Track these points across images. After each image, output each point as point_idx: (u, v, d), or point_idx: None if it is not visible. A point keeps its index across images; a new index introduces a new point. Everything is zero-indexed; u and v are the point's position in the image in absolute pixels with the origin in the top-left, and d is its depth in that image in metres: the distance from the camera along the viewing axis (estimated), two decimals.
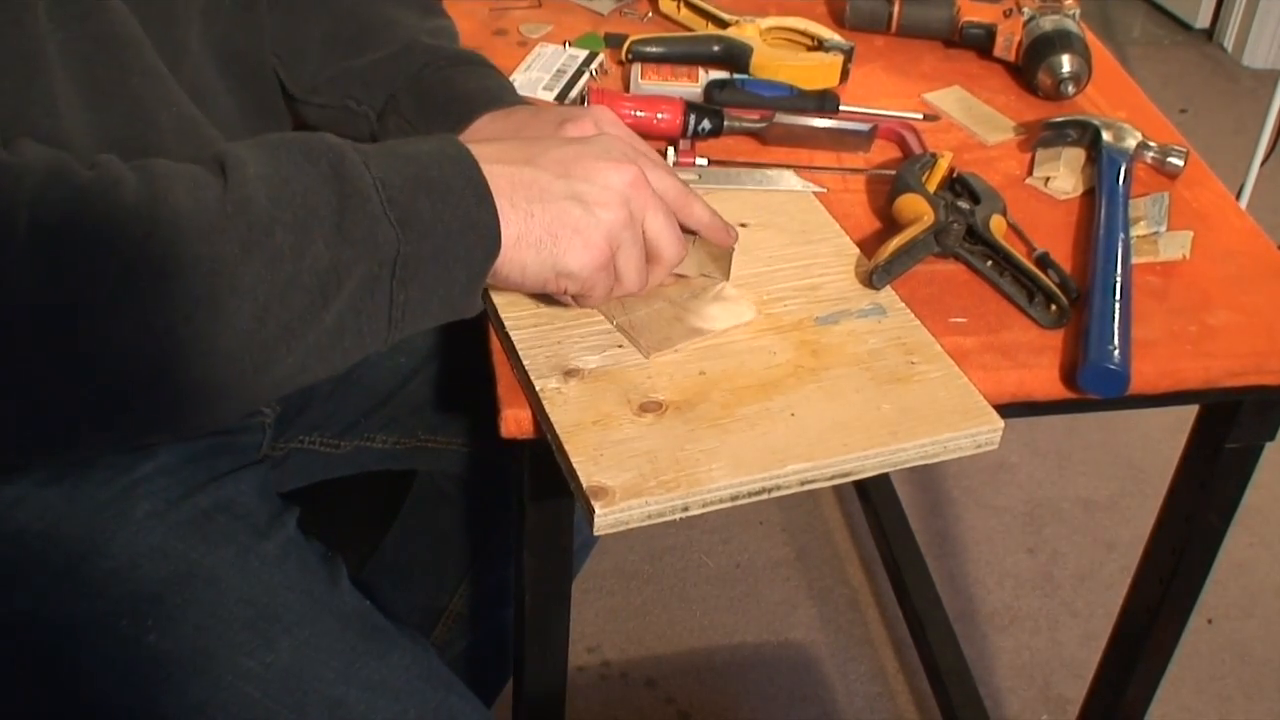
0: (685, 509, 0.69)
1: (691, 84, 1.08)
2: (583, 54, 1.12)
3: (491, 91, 0.89)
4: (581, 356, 0.77)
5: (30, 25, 0.63)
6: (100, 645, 0.78)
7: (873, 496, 1.76)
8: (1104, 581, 1.82)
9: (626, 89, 1.09)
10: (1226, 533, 0.98)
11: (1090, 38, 1.12)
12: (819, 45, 1.12)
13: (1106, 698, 1.14)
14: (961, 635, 1.62)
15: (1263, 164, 2.30)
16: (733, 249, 0.82)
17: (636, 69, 1.09)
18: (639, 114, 1.00)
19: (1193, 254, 0.92)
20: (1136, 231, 0.93)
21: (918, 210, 0.89)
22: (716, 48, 1.10)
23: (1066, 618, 1.77)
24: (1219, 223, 0.97)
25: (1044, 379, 0.82)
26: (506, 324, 0.79)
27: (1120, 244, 0.89)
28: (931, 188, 0.93)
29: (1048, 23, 1.10)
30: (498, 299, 0.80)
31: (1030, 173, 1.01)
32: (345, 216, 0.62)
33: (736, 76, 1.08)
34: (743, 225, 0.89)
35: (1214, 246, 0.94)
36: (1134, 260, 0.90)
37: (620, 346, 0.78)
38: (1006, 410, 0.77)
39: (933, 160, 0.96)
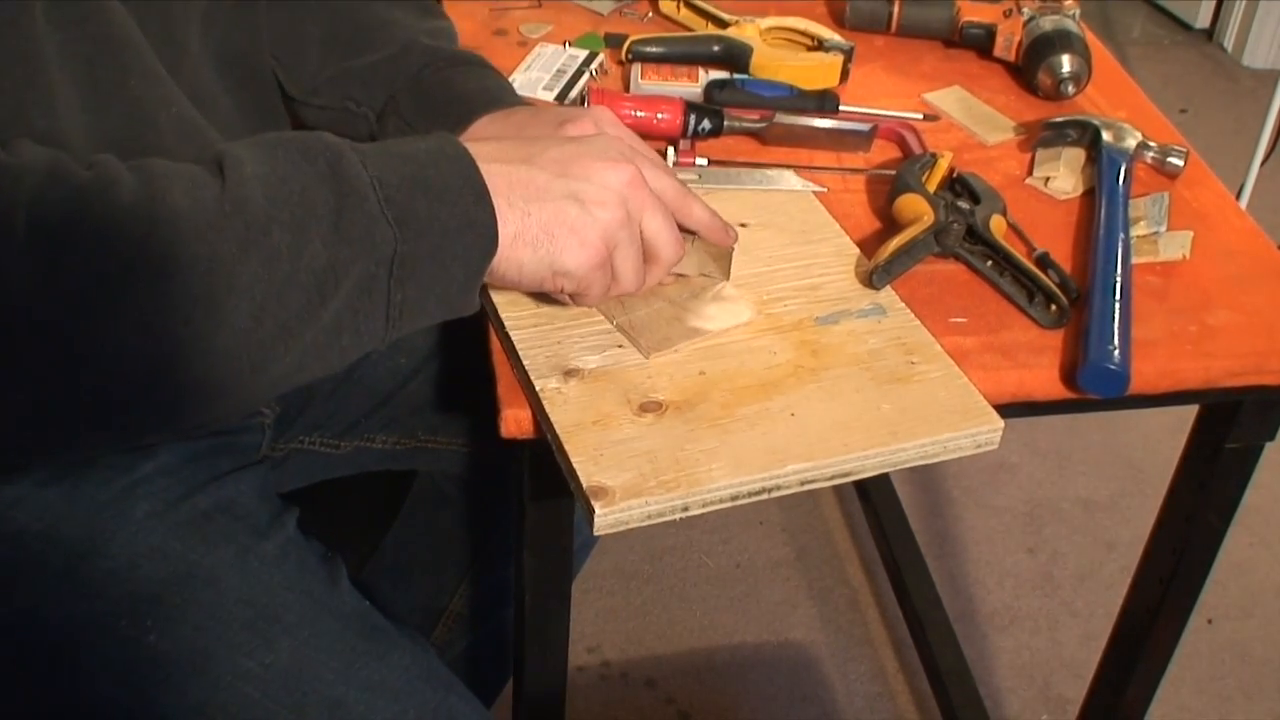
0: (685, 509, 0.69)
1: (691, 84, 1.07)
2: (583, 54, 1.12)
3: (491, 92, 0.89)
4: (581, 356, 0.77)
5: (28, 26, 0.63)
6: (100, 645, 0.78)
7: (873, 496, 1.76)
8: (1104, 581, 1.82)
9: (626, 89, 1.09)
10: (1226, 533, 0.98)
11: (1090, 38, 1.12)
12: (819, 45, 1.12)
13: (1106, 698, 1.14)
14: (961, 635, 1.62)
15: (1263, 164, 2.30)
16: (732, 249, 0.82)
17: (636, 69, 1.09)
18: (639, 114, 1.00)
19: (1193, 254, 0.92)
20: (1136, 231, 0.93)
21: (918, 210, 0.89)
22: (716, 48, 1.10)
23: (1066, 618, 1.77)
24: (1219, 223, 0.97)
25: (1044, 379, 0.82)
26: (506, 324, 0.79)
27: (1120, 244, 0.89)
28: (931, 188, 0.93)
29: (1048, 23, 1.10)
30: (498, 299, 0.80)
31: (1030, 173, 1.01)
32: (343, 215, 0.62)
33: (736, 76, 1.08)
34: (743, 225, 0.89)
35: (1214, 246, 0.94)
36: (1134, 260, 0.89)
37: (620, 346, 0.78)
38: (1006, 410, 0.77)
39: (933, 160, 0.96)
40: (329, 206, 0.62)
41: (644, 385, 0.75)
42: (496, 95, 0.89)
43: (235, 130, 0.80)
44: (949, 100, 1.10)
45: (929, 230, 0.87)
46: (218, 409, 0.63)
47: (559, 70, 1.10)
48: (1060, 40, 1.09)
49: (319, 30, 0.93)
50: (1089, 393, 0.81)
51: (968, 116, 1.08)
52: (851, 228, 0.92)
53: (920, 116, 1.07)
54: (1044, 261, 0.90)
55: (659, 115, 1.00)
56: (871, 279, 0.84)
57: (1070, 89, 1.09)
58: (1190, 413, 0.94)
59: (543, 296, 0.79)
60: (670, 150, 0.99)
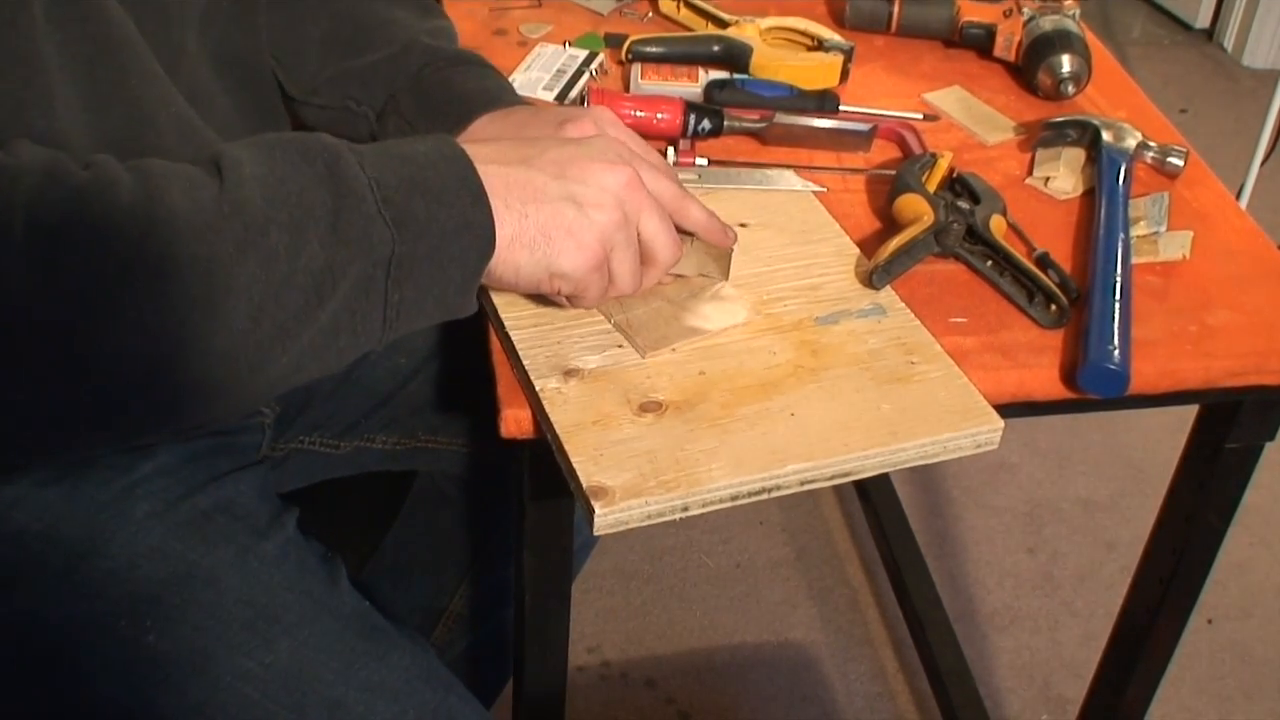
0: (685, 509, 0.69)
1: (691, 84, 1.07)
2: (583, 54, 1.12)
3: (490, 92, 0.89)
4: (581, 356, 0.77)
5: (27, 26, 0.63)
6: (99, 646, 0.78)
7: (873, 496, 1.76)
8: (1104, 581, 1.82)
9: (626, 89, 1.09)
10: (1226, 533, 0.98)
11: (1090, 38, 1.12)
12: (819, 45, 1.12)
13: (1106, 698, 1.14)
14: (961, 635, 1.62)
15: (1263, 164, 2.30)
16: (732, 250, 0.82)
17: (636, 69, 1.09)
18: (639, 114, 1.00)
19: (1193, 254, 0.92)
20: (1136, 231, 0.93)
21: (918, 210, 0.89)
22: (716, 48, 1.10)
23: (1066, 618, 1.77)
24: (1219, 223, 0.97)
25: (1044, 379, 0.82)
26: (506, 324, 0.79)
27: (1120, 244, 0.89)
28: (931, 188, 0.93)
29: (1048, 23, 1.10)
30: (497, 299, 0.80)
31: (1030, 173, 1.01)
32: (340, 216, 0.62)
33: (736, 76, 1.08)
34: (743, 225, 0.89)
35: (1214, 246, 0.94)
36: (1134, 260, 0.89)
37: (620, 346, 0.78)
38: (1006, 410, 0.77)
39: (933, 160, 0.96)
40: (327, 208, 0.62)
41: (644, 385, 0.75)
42: (496, 95, 0.89)
43: (234, 130, 0.80)
44: (949, 100, 1.10)
45: (929, 230, 0.87)
46: (216, 409, 0.63)
47: (559, 70, 1.10)
48: (1060, 40, 1.09)
49: (319, 30, 0.93)
50: (1089, 393, 0.80)
51: (968, 116, 1.08)
52: (851, 228, 0.92)
53: (920, 116, 1.07)
54: (1044, 261, 0.90)
55: (659, 115, 1.00)
56: (871, 279, 0.84)
57: (1070, 89, 1.09)
58: (1190, 413, 0.94)
59: (542, 297, 0.80)
60: (670, 150, 0.99)
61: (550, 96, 1.07)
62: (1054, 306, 0.85)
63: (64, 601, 0.78)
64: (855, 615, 1.76)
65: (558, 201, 0.70)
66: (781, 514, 1.91)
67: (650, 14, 1.21)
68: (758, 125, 1.02)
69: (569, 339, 0.78)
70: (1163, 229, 0.94)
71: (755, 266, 0.86)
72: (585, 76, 1.09)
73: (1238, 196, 2.31)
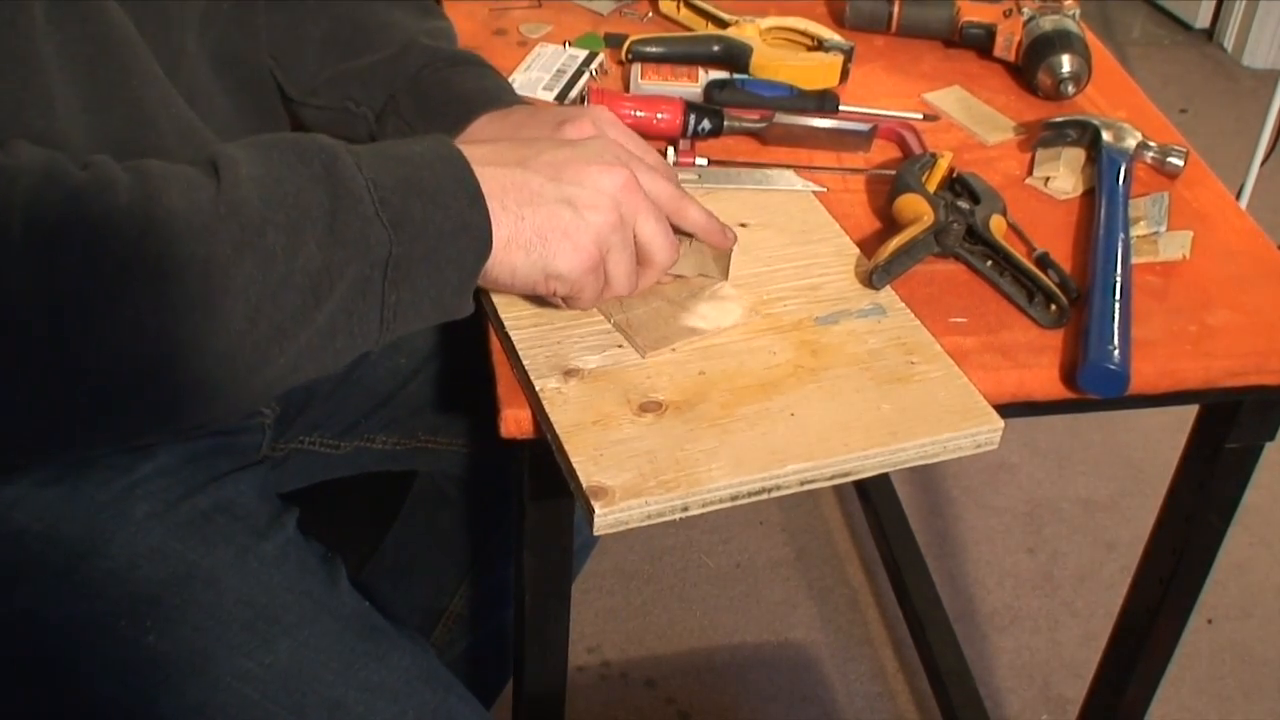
0: (685, 509, 0.69)
1: (691, 84, 1.07)
2: (583, 54, 1.12)
3: (489, 92, 0.89)
4: (581, 356, 0.77)
5: (26, 26, 0.63)
6: (99, 646, 0.78)
7: (873, 496, 1.76)
8: (1104, 581, 1.82)
9: (626, 89, 1.09)
10: (1226, 533, 0.98)
11: (1090, 38, 1.12)
12: (819, 45, 1.12)
13: (1106, 698, 1.14)
14: (961, 635, 1.62)
15: (1263, 164, 2.30)
16: (731, 250, 0.82)
17: (636, 69, 1.09)
18: (639, 114, 1.00)
19: (1193, 254, 0.92)
20: (1136, 231, 0.93)
21: (918, 210, 0.89)
22: (716, 48, 1.10)
23: (1066, 618, 1.77)
24: (1219, 223, 0.97)
25: (1044, 379, 0.82)
26: (506, 324, 0.79)
27: (1120, 244, 0.89)
28: (931, 188, 0.93)
29: (1048, 23, 1.10)
30: (497, 299, 0.80)
31: (1030, 173, 1.01)
32: (337, 218, 0.63)
33: (736, 76, 1.08)
34: (742, 225, 0.89)
35: (1214, 246, 0.94)
36: (1134, 260, 0.89)
37: (620, 346, 0.78)
38: (1006, 410, 0.77)
39: (933, 160, 0.96)
40: (324, 209, 0.62)
41: (644, 385, 0.75)
42: (495, 95, 0.89)
43: (233, 131, 0.80)
44: (949, 100, 1.10)
45: (929, 230, 0.87)
46: (214, 409, 0.63)
47: (559, 70, 1.10)
48: (1060, 40, 1.08)
49: (318, 31, 0.93)
50: (1089, 393, 0.80)
51: (968, 116, 1.08)
52: (851, 228, 0.92)
53: (920, 116, 1.07)
54: (1044, 261, 0.90)
55: (659, 115, 1.00)
56: (871, 279, 0.84)
57: (1070, 89, 1.09)
58: (1190, 413, 0.94)
59: (541, 297, 0.79)
60: (670, 150, 0.99)
61: (550, 96, 1.07)
62: (1054, 306, 0.85)
63: (64, 602, 0.78)
64: (855, 615, 1.76)
65: (554, 204, 0.70)
66: (781, 514, 1.91)
67: (650, 14, 1.21)
68: (758, 125, 1.02)
69: (569, 339, 0.78)
70: (1163, 229, 0.94)
71: (755, 266, 0.86)
72: (585, 76, 1.09)
73: (1238, 196, 2.31)
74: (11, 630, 0.78)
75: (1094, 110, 1.09)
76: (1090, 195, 0.98)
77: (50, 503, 0.78)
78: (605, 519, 0.67)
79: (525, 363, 0.76)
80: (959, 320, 0.85)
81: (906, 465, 0.74)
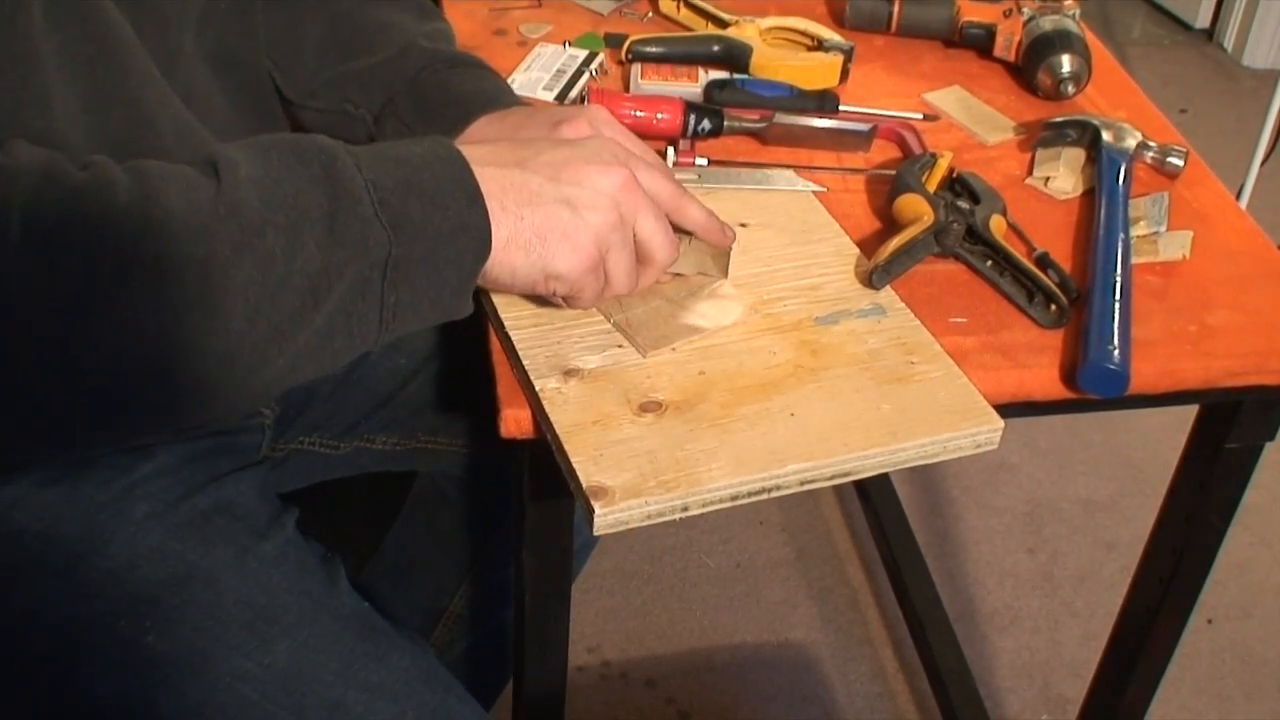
0: (685, 509, 0.69)
1: (691, 84, 1.07)
2: (583, 54, 1.12)
3: (488, 94, 0.89)
4: (581, 356, 0.77)
5: (25, 26, 0.63)
6: (98, 646, 0.78)
7: (873, 496, 1.76)
8: (1104, 581, 1.82)
9: (626, 89, 1.09)
10: (1226, 533, 0.98)
11: (1090, 38, 1.12)
12: (819, 45, 1.12)
13: (1106, 698, 1.14)
14: (961, 635, 1.62)
15: (1263, 164, 2.30)
16: (730, 248, 0.82)
17: (636, 69, 1.09)
18: (639, 114, 1.00)
19: (1193, 254, 0.92)
20: (1136, 231, 0.93)
21: (918, 210, 0.89)
22: (716, 48, 1.10)
23: (1066, 618, 1.77)
24: (1219, 223, 0.97)
25: (1044, 379, 0.82)
26: (506, 324, 0.79)
27: (1120, 244, 0.89)
28: (931, 188, 0.93)
29: (1048, 23, 1.10)
30: (497, 299, 0.80)
31: (1030, 173, 1.01)
32: (337, 218, 0.63)
33: (736, 76, 1.08)
34: (742, 225, 0.89)
35: (1214, 246, 0.94)
36: (1134, 260, 0.89)
37: (620, 346, 0.78)
38: (1006, 410, 0.77)
39: (933, 160, 0.96)
40: (323, 209, 0.62)
41: (644, 385, 0.75)
42: (494, 96, 0.89)
43: (232, 132, 0.80)
44: (949, 100, 1.10)
45: (929, 230, 0.87)
46: (213, 410, 0.63)
47: (559, 70, 1.10)
48: (1060, 40, 1.08)
49: (316, 32, 0.93)
50: (1089, 393, 0.80)
51: (968, 116, 1.08)
52: (851, 228, 0.92)
53: (920, 116, 1.07)
54: (1044, 261, 0.90)
55: (659, 115, 1.00)
56: (871, 279, 0.84)
57: (1070, 89, 1.09)
58: (1190, 413, 0.94)
59: (541, 297, 0.79)
60: (670, 150, 0.98)
61: (550, 96, 1.07)
62: (1054, 306, 0.84)
63: (63, 602, 0.78)
64: (855, 615, 1.76)
65: (553, 204, 0.70)
66: (781, 514, 1.91)
67: (650, 14, 1.21)
68: (758, 125, 1.02)
69: (569, 339, 0.78)
70: (1163, 229, 0.94)
71: (755, 266, 0.86)
72: (585, 76, 1.09)
73: (1238, 196, 2.31)
74: (11, 630, 0.78)
75: (1094, 110, 1.09)
76: (1090, 195, 0.98)
77: (50, 503, 0.78)
78: (605, 519, 0.67)
79: (525, 363, 0.76)
80: (959, 320, 0.85)
81: (906, 465, 0.74)
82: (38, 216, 0.57)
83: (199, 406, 0.62)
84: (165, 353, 0.59)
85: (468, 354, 0.96)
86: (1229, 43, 3.25)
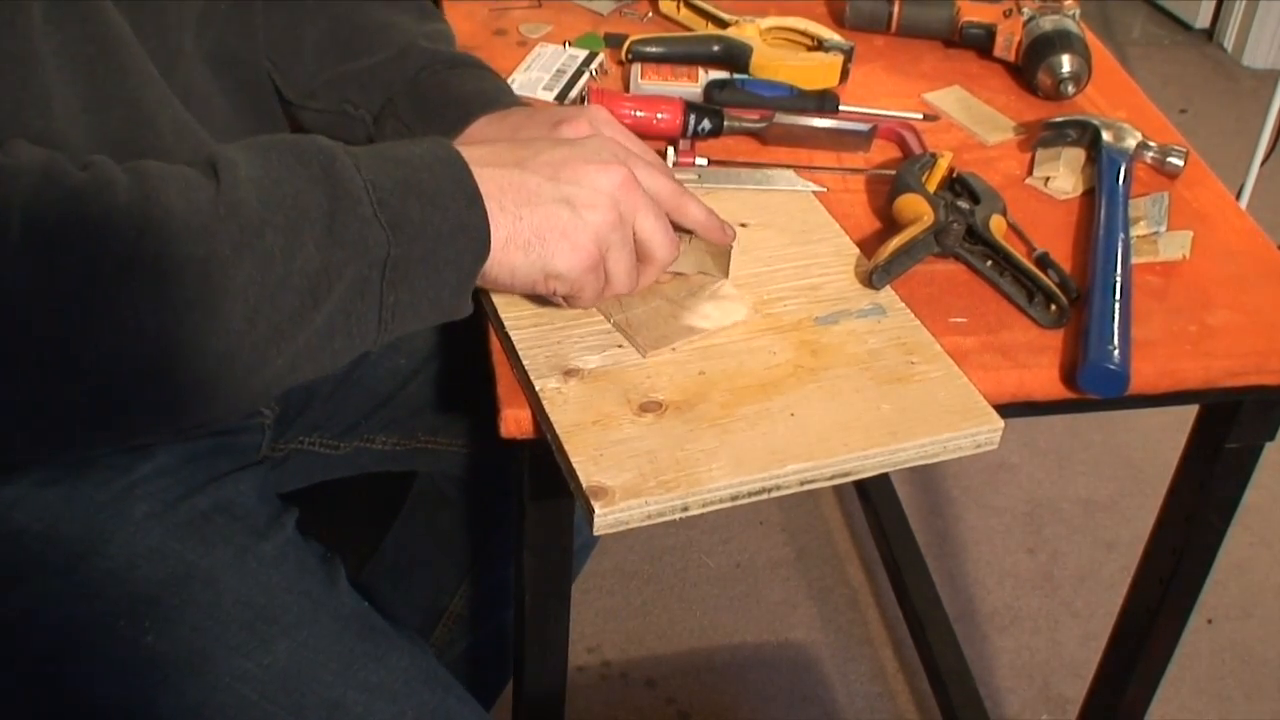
0: (685, 509, 0.69)
1: (691, 84, 1.07)
2: (583, 54, 1.12)
3: (488, 94, 0.89)
4: (581, 356, 0.77)
5: (25, 27, 0.63)
6: (98, 646, 0.78)
7: (873, 496, 1.76)
8: (1104, 581, 1.82)
9: (626, 89, 1.09)
10: (1226, 533, 0.98)
11: (1090, 38, 1.12)
12: (819, 45, 1.12)
13: (1106, 698, 1.14)
14: (961, 635, 1.62)
15: (1263, 164, 2.30)
16: (731, 247, 0.82)
17: (636, 69, 1.09)
18: (639, 114, 1.00)
19: (1193, 254, 0.92)
20: (1136, 231, 0.93)
21: (918, 210, 0.89)
22: (716, 48, 1.10)
23: (1066, 618, 1.77)
24: (1219, 223, 0.97)
25: (1044, 379, 0.82)
26: (506, 324, 0.79)
27: (1120, 244, 0.89)
28: (931, 188, 0.93)
29: (1048, 23, 1.10)
30: (497, 299, 0.80)
31: (1030, 173, 1.01)
32: (336, 219, 0.63)
33: (736, 76, 1.08)
34: (742, 225, 0.89)
35: (1214, 246, 0.94)
36: (1134, 260, 0.89)
37: (620, 346, 0.78)
38: (1006, 410, 0.77)
39: (933, 160, 0.96)
40: (322, 210, 0.62)
41: (644, 385, 0.75)
42: (493, 97, 0.89)
43: (232, 133, 0.79)
44: (949, 100, 1.10)
45: (929, 230, 0.87)
46: (213, 410, 0.63)
47: (559, 70, 1.10)
48: (1060, 40, 1.08)
49: (316, 33, 0.93)
50: (1089, 393, 0.80)
51: (968, 116, 1.08)
52: (851, 228, 0.92)
53: (920, 116, 1.07)
54: (1044, 261, 0.90)
55: (659, 115, 1.00)
56: (871, 279, 0.84)
57: (1070, 89, 1.09)
58: (1190, 413, 0.94)
59: (541, 297, 0.79)
60: (670, 150, 0.98)
61: (550, 97, 1.07)
62: (1054, 306, 0.84)
63: (63, 602, 0.78)
64: (855, 615, 1.76)
65: (552, 203, 0.70)
66: (781, 514, 1.91)
67: (650, 14, 1.21)
68: (758, 125, 1.02)
69: (569, 339, 0.78)
70: (1163, 229, 0.94)
71: (755, 266, 0.86)
72: (585, 76, 1.09)
73: (1238, 196, 2.31)
74: (11, 630, 0.78)
75: (1094, 110, 1.09)
76: (1090, 195, 0.98)
77: (49, 503, 0.78)
78: (605, 519, 0.67)
79: (525, 363, 0.76)
80: (959, 320, 0.85)
81: (906, 465, 0.74)
82: (38, 216, 0.57)
83: (199, 406, 0.62)
84: (165, 352, 0.59)
85: (468, 354, 0.96)
86: (1229, 43, 3.25)
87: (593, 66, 1.10)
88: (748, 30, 1.12)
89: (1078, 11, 1.12)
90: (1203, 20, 3.31)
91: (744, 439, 0.72)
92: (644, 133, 0.98)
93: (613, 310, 0.79)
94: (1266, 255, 0.94)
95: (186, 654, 0.78)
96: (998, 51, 1.15)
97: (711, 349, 0.78)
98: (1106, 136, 1.00)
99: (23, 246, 0.56)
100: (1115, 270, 0.86)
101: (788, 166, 0.98)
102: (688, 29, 1.17)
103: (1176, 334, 0.85)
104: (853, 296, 0.84)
